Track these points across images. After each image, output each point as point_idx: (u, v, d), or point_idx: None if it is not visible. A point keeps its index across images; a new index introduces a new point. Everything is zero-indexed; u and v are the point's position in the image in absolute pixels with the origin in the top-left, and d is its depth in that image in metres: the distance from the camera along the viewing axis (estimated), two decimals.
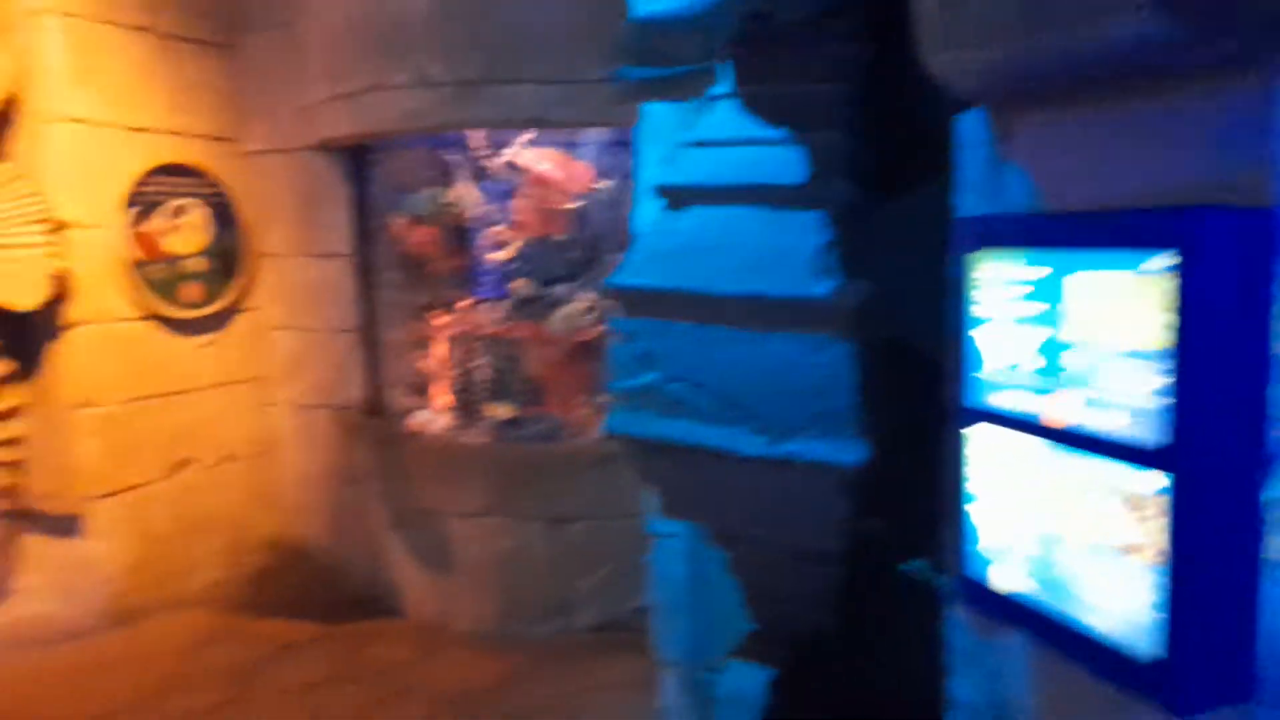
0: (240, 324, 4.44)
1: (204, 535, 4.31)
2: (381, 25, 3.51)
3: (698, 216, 1.92)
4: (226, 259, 4.27)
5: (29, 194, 3.50)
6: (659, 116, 2.14)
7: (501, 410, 4.24)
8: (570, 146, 4.01)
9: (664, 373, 1.89)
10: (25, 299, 3.48)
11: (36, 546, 4.09)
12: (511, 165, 3.94)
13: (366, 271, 4.35)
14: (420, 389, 4.45)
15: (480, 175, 4.06)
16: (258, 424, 4.60)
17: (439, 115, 3.49)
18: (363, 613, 4.03)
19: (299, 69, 4.06)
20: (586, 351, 4.08)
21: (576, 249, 4.10)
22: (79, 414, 3.79)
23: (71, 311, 3.71)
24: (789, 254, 1.76)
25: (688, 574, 2.56)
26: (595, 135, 3.87)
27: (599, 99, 3.28)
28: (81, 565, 3.97)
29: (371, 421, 4.28)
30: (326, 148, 4.15)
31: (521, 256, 4.15)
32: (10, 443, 3.84)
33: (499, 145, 3.95)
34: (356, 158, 4.23)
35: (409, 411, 4.38)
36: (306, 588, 4.34)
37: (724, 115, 1.94)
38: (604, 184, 3.95)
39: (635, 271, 1.94)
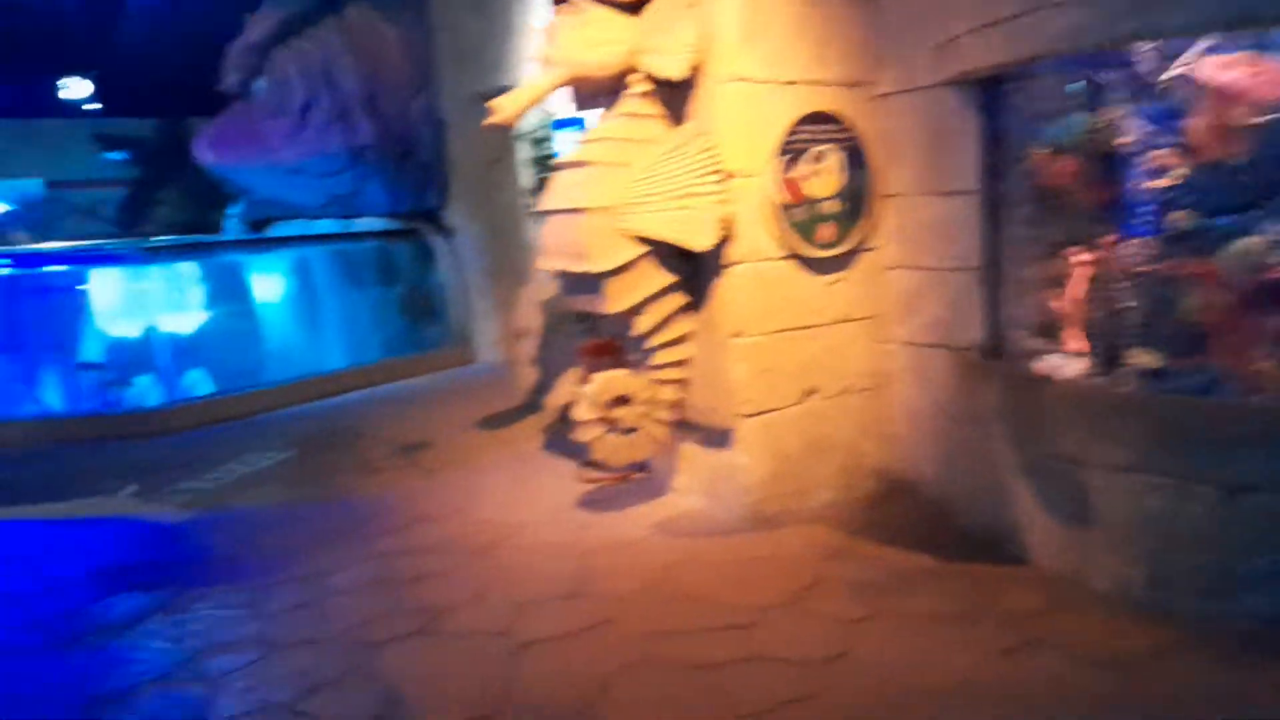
0: (862, 263, 4.64)
1: (822, 459, 4.65)
2: None
3: None
4: (856, 200, 4.47)
5: (707, 149, 4.04)
6: None
7: (1147, 358, 3.78)
8: (1261, 49, 3.32)
9: None
10: (702, 240, 4.05)
11: (692, 453, 4.83)
12: (1185, 79, 3.41)
13: (993, 208, 4.18)
14: (1047, 331, 4.17)
15: (1139, 95, 3.59)
16: (872, 360, 4.79)
17: (1112, 29, 3.15)
18: (980, 553, 3.97)
19: (937, 6, 4.01)
20: (1268, 295, 3.41)
21: (1256, 172, 3.42)
22: (732, 342, 4.33)
23: (731, 252, 4.22)
24: None
25: None
26: None
27: None
28: (728, 473, 4.57)
29: (994, 363, 4.15)
30: (960, 82, 4.05)
31: (1184, 184, 3.59)
32: (681, 363, 4.55)
33: (1168, 58, 3.44)
34: (989, 90, 4.06)
35: (1033, 354, 4.14)
36: (915, 520, 4.42)
37: None
38: None
39: None
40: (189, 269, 8.93)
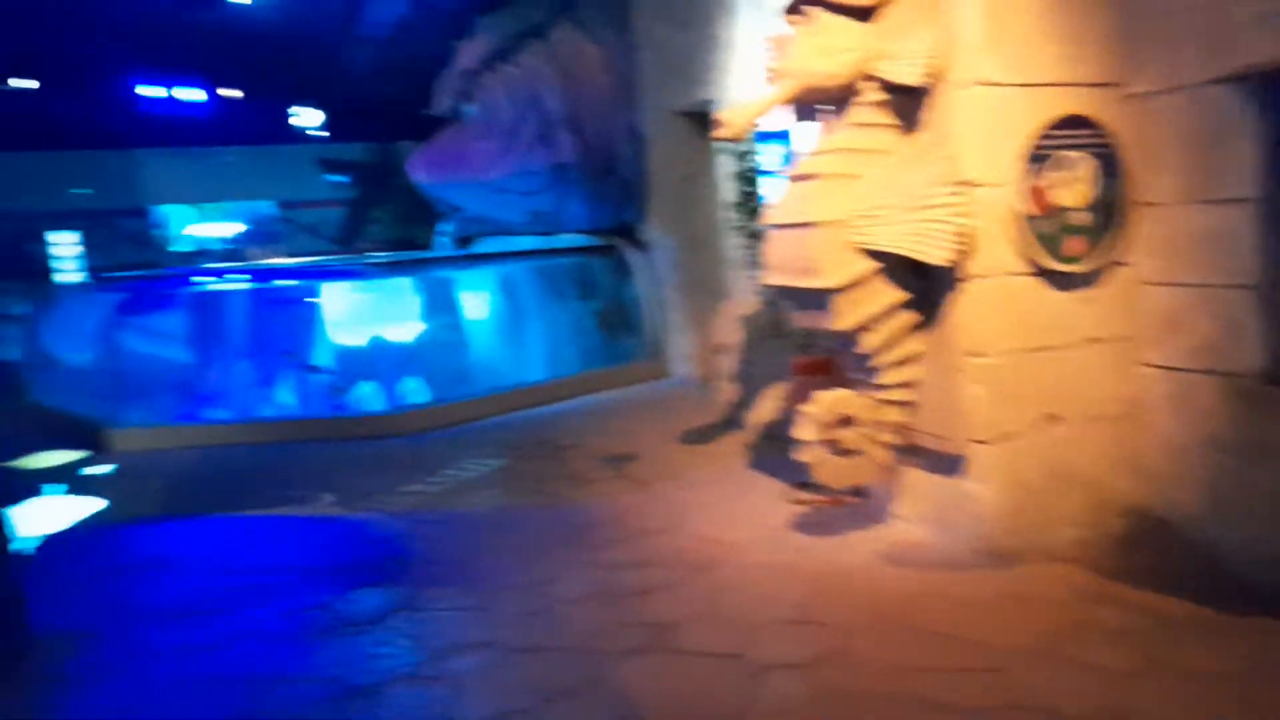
0: (1114, 279, 4.26)
1: (1066, 492, 4.30)
2: None
3: None
4: (1109, 211, 4.12)
5: (944, 157, 3.84)
6: None
7: None
8: None
9: None
10: (938, 254, 3.85)
11: (917, 479, 4.59)
12: None
13: (1275, 217, 3.73)
14: None
15: None
16: (1124, 385, 4.38)
17: None
18: (1261, 606, 3.53)
19: None
20: None
21: None
22: (969, 362, 4.08)
23: (970, 265, 3.98)
24: None
25: None
26: None
27: None
28: (958, 502, 4.31)
29: None
30: (1239, 78, 3.64)
31: None
32: (908, 384, 4.35)
33: None
34: (1270, 86, 3.62)
35: None
36: (1179, 564, 3.99)
37: None
38: None
39: None
40: (406, 283, 9.54)
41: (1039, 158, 3.96)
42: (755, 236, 7.19)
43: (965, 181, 3.87)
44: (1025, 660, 3.25)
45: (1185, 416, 4.17)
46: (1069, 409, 4.28)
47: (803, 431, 4.31)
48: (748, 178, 7.03)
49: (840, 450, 4.35)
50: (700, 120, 8.14)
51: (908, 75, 3.85)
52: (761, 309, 7.27)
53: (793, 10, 4.07)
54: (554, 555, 4.68)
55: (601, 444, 7.05)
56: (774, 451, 6.32)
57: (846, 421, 4.32)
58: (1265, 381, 3.83)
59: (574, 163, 9.10)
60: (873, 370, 4.31)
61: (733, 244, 7.50)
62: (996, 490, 4.17)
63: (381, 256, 11.52)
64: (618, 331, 10.14)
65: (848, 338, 4.19)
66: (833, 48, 3.88)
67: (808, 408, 4.30)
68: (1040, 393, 4.21)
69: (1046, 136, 3.96)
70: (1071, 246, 4.08)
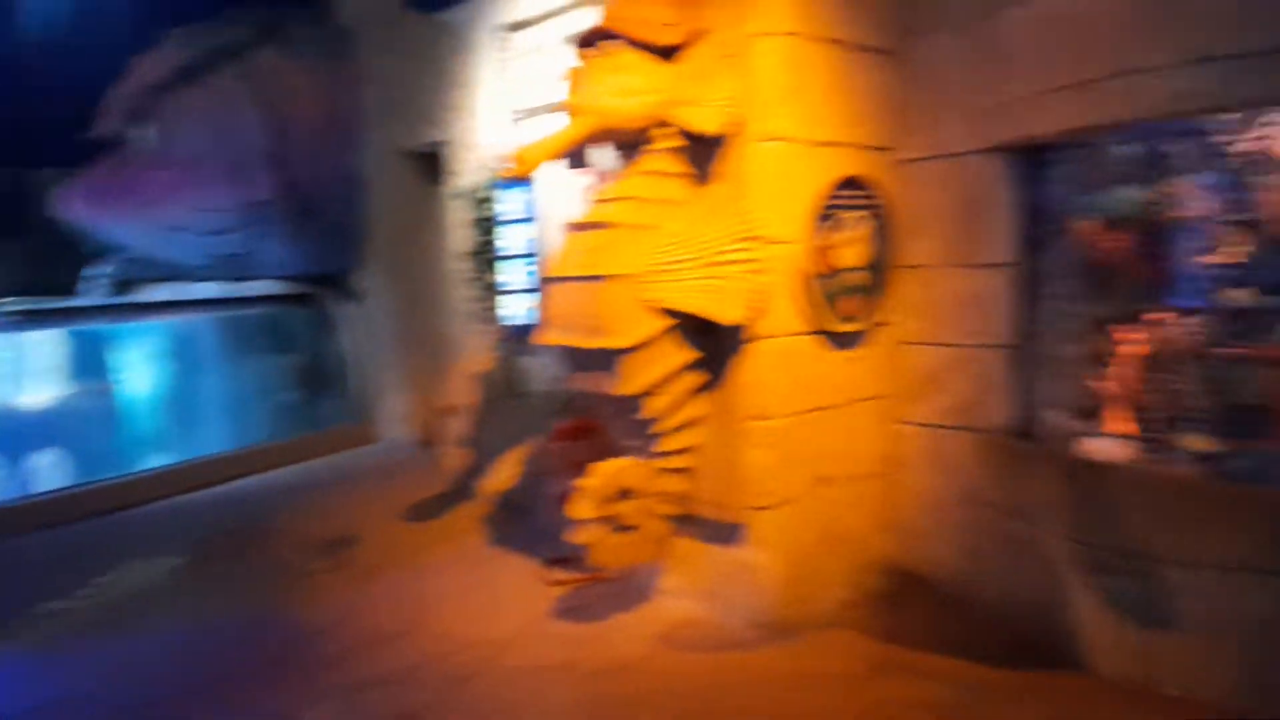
0: (879, 338, 4.29)
1: (834, 554, 4.22)
2: (1141, 2, 3.07)
3: None
4: (879, 272, 4.14)
5: (741, 212, 3.61)
6: None
7: (1200, 442, 3.57)
8: None
9: None
10: (734, 313, 3.59)
11: (690, 550, 4.27)
12: (1262, 150, 3.27)
13: (1029, 282, 3.94)
14: (1085, 412, 3.92)
15: (1204, 166, 3.44)
16: (885, 443, 4.42)
17: (1217, 97, 2.95)
18: (1034, 661, 3.59)
19: (979, 69, 3.80)
20: None
21: None
22: (752, 425, 3.86)
23: (759, 326, 3.77)
24: None
25: None
26: None
27: None
28: (735, 573, 4.05)
29: (1040, 448, 3.85)
30: (1000, 149, 3.82)
31: (1245, 260, 3.44)
32: (688, 450, 4.02)
33: (1244, 127, 3.30)
34: (1030, 159, 3.85)
35: (1069, 437, 3.87)
36: (945, 622, 4.02)
37: None
38: None
39: None
40: (43, 336, 7.73)
41: (825, 216, 3.87)
42: (491, 289, 6.64)
43: (759, 238, 3.67)
44: None
45: (941, 473, 4.27)
46: (837, 469, 4.21)
47: (579, 509, 3.79)
48: (484, 226, 6.49)
49: (618, 527, 3.90)
50: (429, 161, 7.48)
51: (709, 123, 3.59)
52: (498, 368, 6.70)
53: (587, 43, 3.66)
54: (275, 683, 3.71)
55: (309, 526, 5.99)
56: (516, 524, 5.74)
57: (626, 494, 3.89)
58: (1015, 436, 3.99)
59: (273, 201, 7.96)
60: (652, 436, 3.92)
61: (464, 297, 6.88)
62: (774, 557, 3.96)
63: (10, 304, 9.33)
64: (319, 391, 9.00)
65: (630, 402, 3.77)
66: (632, 87, 3.53)
67: (584, 481, 3.80)
68: (815, 454, 4.10)
69: (831, 196, 3.89)
70: (847, 307, 4.04)
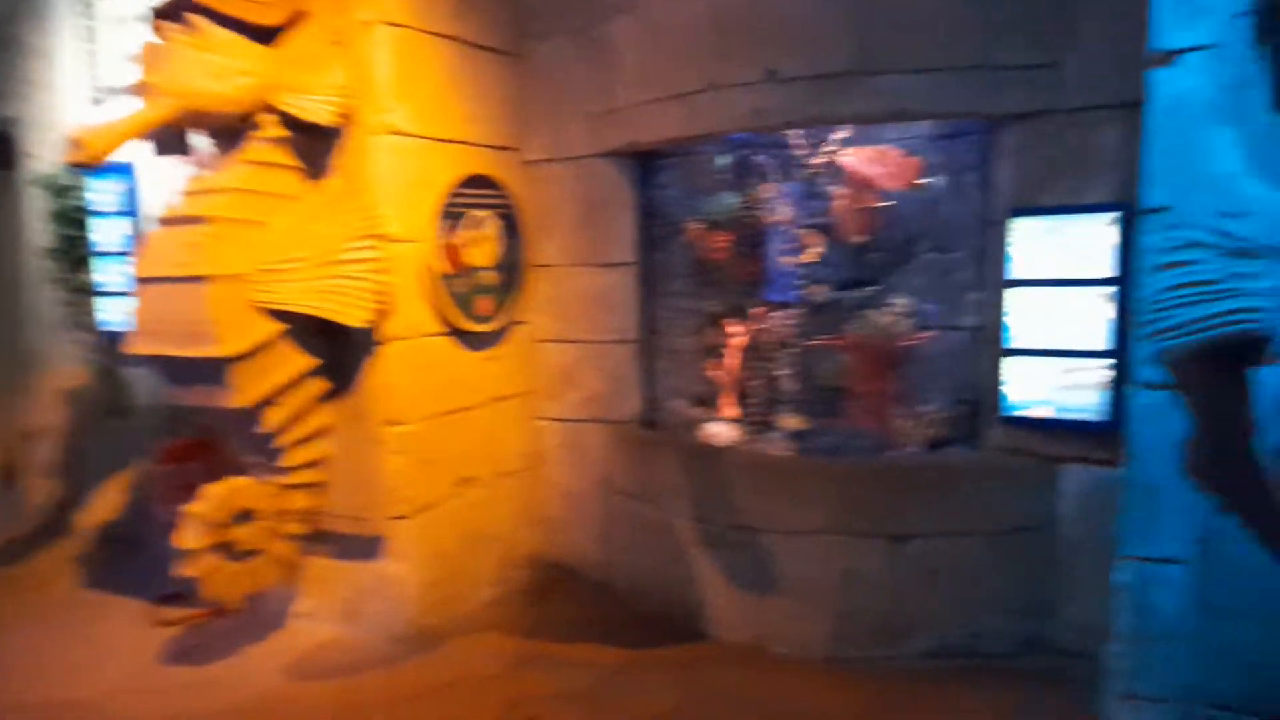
0: (514, 337, 4.33)
1: (480, 553, 4.21)
2: (726, 22, 3.35)
3: None
4: (511, 271, 4.17)
5: (361, 208, 3.42)
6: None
7: (794, 421, 4.05)
8: (894, 141, 3.79)
9: None
10: (357, 315, 3.40)
11: (323, 569, 4.00)
12: (830, 164, 3.74)
13: (649, 280, 4.20)
14: (702, 400, 4.27)
15: (787, 175, 3.87)
16: (525, 440, 4.48)
17: (789, 113, 3.32)
18: (666, 636, 3.83)
19: (594, 75, 3.95)
20: (895, 359, 3.86)
21: (883, 251, 3.88)
22: (388, 431, 3.70)
23: (387, 327, 3.62)
24: None
25: (1195, 599, 2.35)
26: (923, 128, 3.65)
27: (975, 86, 3.10)
28: (374, 586, 3.87)
29: (664, 435, 4.12)
30: (618, 154, 4.01)
31: (820, 260, 3.94)
32: (316, 464, 3.76)
33: (816, 143, 3.76)
34: (646, 163, 4.08)
35: (690, 424, 4.20)
36: (587, 609, 4.17)
37: None
38: (926, 180, 3.72)
39: None
40: None
41: (452, 215, 3.80)
42: (81, 291, 5.73)
43: (382, 236, 3.50)
44: None
45: (579, 465, 4.42)
46: (481, 469, 4.19)
47: (186, 538, 3.38)
48: (72, 219, 5.55)
49: (236, 554, 3.54)
50: None
51: (318, 114, 3.34)
52: (94, 382, 5.80)
53: (168, 15, 3.20)
54: None
55: None
56: (122, 562, 5.02)
57: (243, 516, 3.54)
58: (643, 426, 4.24)
59: None
60: (273, 451, 3.61)
61: (49, 300, 5.86)
62: (415, 566, 3.84)
63: None
64: None
65: (244, 415, 3.43)
66: (225, 69, 3.16)
67: (192, 508, 3.40)
68: (455, 456, 4.04)
69: (457, 194, 3.83)
70: (482, 306, 4.01)
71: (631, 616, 4.06)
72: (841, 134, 3.73)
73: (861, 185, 3.72)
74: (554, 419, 4.47)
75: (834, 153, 3.73)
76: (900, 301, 3.79)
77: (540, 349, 4.45)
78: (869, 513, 3.46)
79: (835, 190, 3.78)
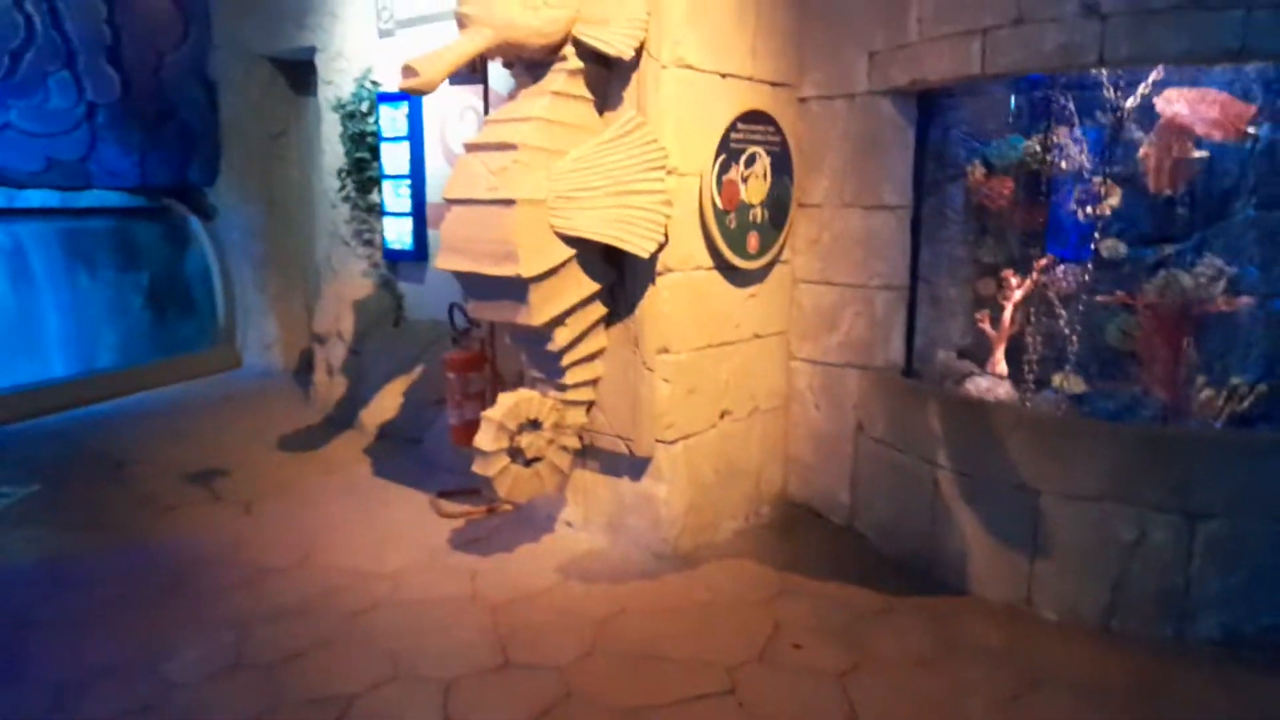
0: (777, 276, 4.37)
1: (732, 486, 4.34)
2: None
3: None
4: (778, 209, 4.19)
5: (650, 140, 3.54)
6: None
7: (1073, 382, 3.85)
8: (1220, 85, 3.44)
9: None
10: (646, 244, 3.55)
11: (591, 482, 4.29)
12: (1141, 107, 3.47)
13: (921, 225, 4.09)
14: (971, 353, 4.15)
15: (1086, 119, 3.62)
16: (779, 378, 4.55)
17: (1105, 50, 3.08)
18: (921, 585, 3.82)
19: (879, 7, 3.84)
20: (1198, 324, 3.57)
21: (1192, 205, 3.57)
22: (658, 359, 3.86)
23: (665, 258, 3.76)
24: None
25: None
26: (1256, 70, 3.29)
27: None
28: (637, 505, 4.10)
29: (927, 386, 4.05)
30: (899, 92, 3.89)
31: (1120, 212, 3.68)
32: (591, 383, 4.01)
33: (1126, 83, 3.49)
34: (928, 102, 3.94)
35: (957, 376, 4.10)
36: (837, 550, 4.22)
37: None
38: (1255, 129, 3.37)
39: None
40: None
41: (729, 150, 3.86)
42: (369, 209, 6.32)
43: (668, 168, 3.62)
44: (753, 675, 3.10)
45: (833, 409, 4.43)
46: (737, 404, 4.30)
47: (483, 440, 3.72)
48: (363, 141, 6.11)
49: (523, 459, 3.86)
50: (298, 69, 6.94)
51: (620, 45, 3.46)
52: (375, 292, 6.43)
53: None
54: (150, 616, 3.51)
55: (175, 455, 5.66)
56: (401, 456, 5.61)
57: (531, 425, 3.84)
58: (900, 373, 4.19)
59: (113, 102, 7.22)
60: (558, 369, 3.88)
61: (339, 216, 6.51)
62: (679, 491, 4.03)
63: None
64: (176, 313, 8.39)
65: (535, 332, 3.70)
66: (537, 1, 3.34)
67: (490, 412, 3.73)
68: (718, 389, 4.17)
69: (735, 129, 3.87)
70: (751, 243, 4.07)
71: (882, 561, 4.09)
72: (1157, 73, 3.42)
73: (1176, 131, 3.42)
74: (810, 360, 4.50)
75: (1147, 93, 3.44)
76: (1210, 262, 3.49)
77: (801, 289, 4.47)
78: (1159, 483, 3.26)
79: (1144, 136, 3.50)
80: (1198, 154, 3.46)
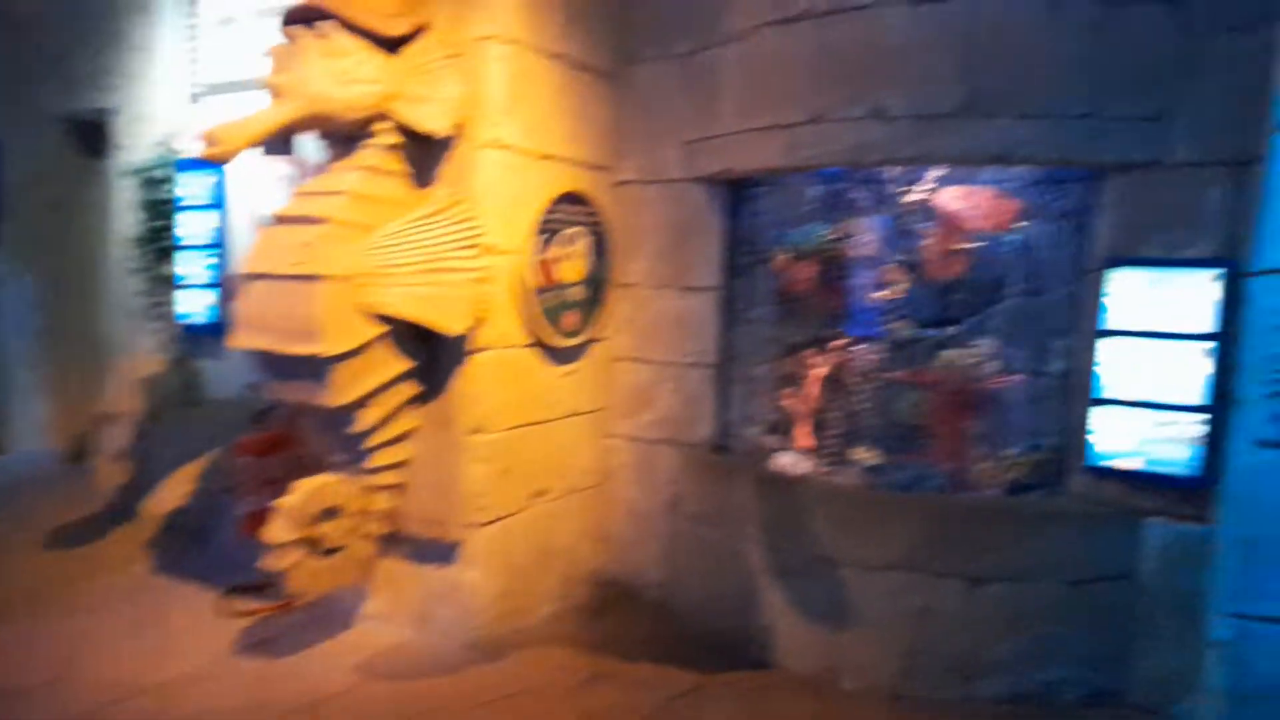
0: (595, 354, 4.38)
1: (547, 568, 4.24)
2: (834, 56, 3.40)
3: None
4: (597, 288, 4.23)
5: (465, 218, 3.50)
6: None
7: (869, 455, 4.04)
8: (990, 183, 3.79)
9: None
10: (457, 323, 3.47)
11: (396, 571, 4.05)
12: (924, 201, 3.77)
13: (731, 306, 4.23)
14: (777, 429, 4.28)
15: (877, 211, 3.90)
16: (595, 456, 4.52)
17: (892, 150, 3.35)
18: (730, 662, 3.82)
19: (694, 100, 4.02)
20: (977, 400, 3.85)
21: (971, 292, 3.88)
22: (471, 439, 3.75)
23: (479, 336, 3.68)
24: None
25: None
26: (1021, 172, 3.65)
27: (1082, 134, 3.12)
28: (445, 592, 3.92)
29: (740, 461, 4.13)
30: (709, 180, 4.06)
31: (907, 297, 3.95)
32: (399, 465, 3.83)
33: (911, 179, 3.78)
34: (736, 190, 4.13)
35: (764, 451, 4.21)
36: (649, 629, 4.18)
37: None
38: (1021, 224, 3.72)
39: None
40: None
41: (547, 230, 3.87)
42: (164, 282, 5.88)
43: (484, 246, 3.57)
44: None
45: (647, 485, 4.45)
46: (552, 483, 4.23)
47: (276, 532, 3.45)
48: (159, 210, 5.72)
49: (321, 550, 3.60)
50: (91, 131, 6.44)
51: (436, 123, 3.43)
52: (169, 372, 5.94)
53: (299, 20, 3.31)
54: None
55: None
56: (189, 550, 5.11)
57: (330, 513, 3.60)
58: (711, 449, 4.26)
59: None
60: (361, 451, 3.68)
61: (131, 289, 6.02)
62: (491, 575, 3.89)
63: None
64: None
65: (339, 414, 3.50)
66: (352, 76, 3.26)
67: (284, 501, 3.47)
68: (533, 468, 4.09)
69: (553, 210, 3.90)
70: (569, 321, 4.07)
71: (693, 639, 4.07)
72: (937, 172, 3.74)
73: (953, 224, 3.73)
74: (625, 437, 4.50)
75: (929, 190, 3.75)
76: (984, 342, 3.79)
77: (617, 367, 4.49)
78: (947, 551, 3.45)
79: (926, 228, 3.80)
80: (973, 245, 3.78)
